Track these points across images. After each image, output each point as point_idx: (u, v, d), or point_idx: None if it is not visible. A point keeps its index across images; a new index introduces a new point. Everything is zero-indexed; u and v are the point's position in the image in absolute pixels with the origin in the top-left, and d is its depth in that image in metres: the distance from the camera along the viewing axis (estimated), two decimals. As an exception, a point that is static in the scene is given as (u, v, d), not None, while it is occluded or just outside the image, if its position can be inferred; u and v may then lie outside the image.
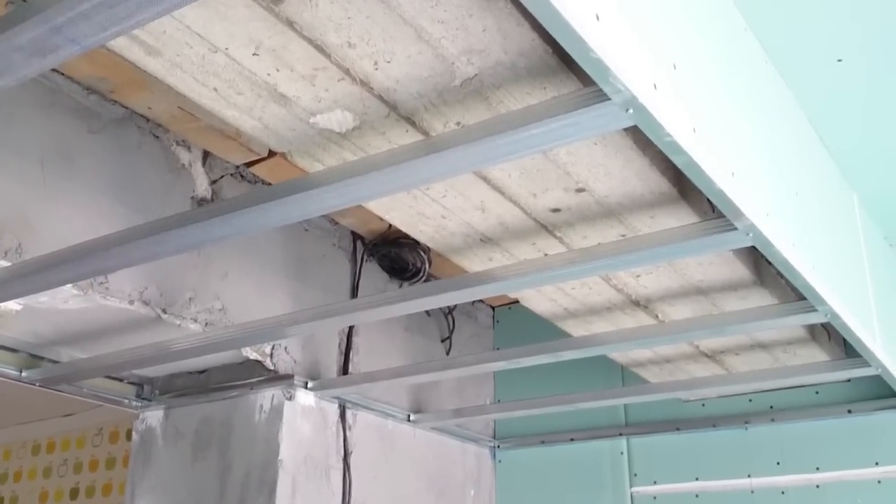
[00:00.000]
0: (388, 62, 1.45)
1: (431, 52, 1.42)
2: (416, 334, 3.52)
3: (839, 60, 2.15)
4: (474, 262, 2.21)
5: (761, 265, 2.29)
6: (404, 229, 2.04)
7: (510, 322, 3.95)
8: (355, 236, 3.29)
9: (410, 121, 1.61)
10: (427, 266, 3.27)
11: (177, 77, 1.50)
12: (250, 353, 2.84)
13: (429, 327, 3.61)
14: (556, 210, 1.94)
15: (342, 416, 3.05)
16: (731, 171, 1.54)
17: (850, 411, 3.12)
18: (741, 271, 2.25)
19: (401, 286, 3.41)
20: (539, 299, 2.44)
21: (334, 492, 2.95)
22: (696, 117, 1.46)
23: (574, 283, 2.33)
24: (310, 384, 2.93)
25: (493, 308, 3.98)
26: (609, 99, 1.31)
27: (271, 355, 2.89)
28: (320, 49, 1.42)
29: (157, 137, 2.63)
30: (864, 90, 2.28)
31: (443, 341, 3.64)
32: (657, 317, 2.54)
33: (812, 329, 2.69)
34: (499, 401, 3.85)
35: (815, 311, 2.15)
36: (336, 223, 3.21)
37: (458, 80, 1.49)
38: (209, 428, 2.96)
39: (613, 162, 1.73)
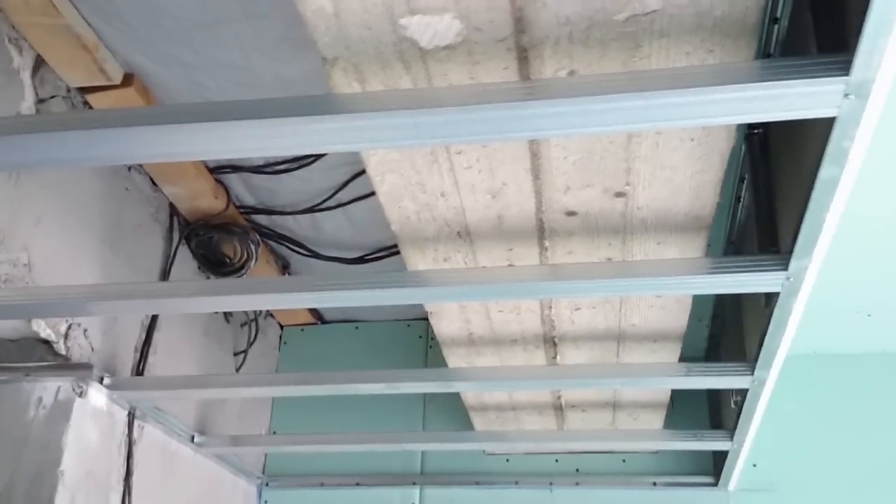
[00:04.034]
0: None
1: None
2: (214, 341, 2.97)
3: None
4: (425, 261, 1.84)
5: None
6: (382, 201, 1.64)
7: (298, 345, 3.51)
8: (173, 211, 2.70)
9: (523, 55, 1.27)
10: (253, 262, 2.77)
11: None
12: (42, 329, 2.17)
13: (225, 335, 3.07)
14: (571, 213, 1.66)
15: (130, 426, 2.43)
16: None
17: (654, 484, 3.10)
18: (678, 324, 2.11)
19: (214, 281, 2.86)
20: (452, 318, 2.11)
21: (111, 520, 2.32)
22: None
23: (507, 306, 2.04)
24: (106, 380, 2.30)
25: (281, 326, 3.51)
26: (846, 74, 1.09)
27: (66, 336, 2.23)
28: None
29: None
30: None
31: (236, 354, 3.11)
32: (554, 357, 2.32)
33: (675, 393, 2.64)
34: (274, 432, 3.36)
35: (745, 375, 2.07)
36: (157, 189, 2.62)
37: (627, 12, 1.18)
38: (-46, 420, 2.20)
39: (687, 168, 1.51)
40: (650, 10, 1.18)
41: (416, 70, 1.30)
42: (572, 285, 1.75)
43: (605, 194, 1.60)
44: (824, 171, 1.29)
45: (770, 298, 1.77)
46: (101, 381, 2.28)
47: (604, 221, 1.68)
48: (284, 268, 3.08)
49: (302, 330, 3.51)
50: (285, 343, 3.51)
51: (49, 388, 2.21)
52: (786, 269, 1.58)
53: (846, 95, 1.13)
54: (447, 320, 2.12)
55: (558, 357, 2.31)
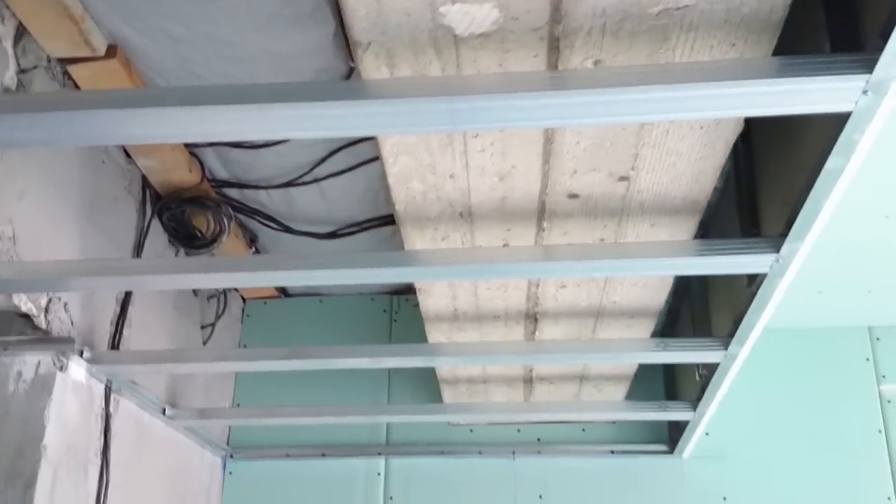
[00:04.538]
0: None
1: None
2: (183, 315, 2.95)
3: None
4: (423, 241, 1.88)
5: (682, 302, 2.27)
6: (391, 182, 1.66)
7: (261, 318, 3.50)
8: (146, 184, 2.67)
9: (553, 45, 1.31)
10: (225, 236, 2.76)
11: None
12: (23, 303, 2.13)
13: (193, 309, 3.05)
14: (573, 196, 1.72)
15: (107, 399, 2.42)
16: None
17: (612, 452, 3.21)
18: (657, 301, 2.20)
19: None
20: (441, 294, 2.15)
21: (89, 493, 2.32)
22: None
23: (495, 283, 2.10)
24: (86, 353, 2.28)
25: (244, 300, 3.50)
26: (869, 73, 1.17)
27: (47, 310, 2.20)
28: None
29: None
30: None
31: (203, 328, 3.10)
32: (533, 333, 2.39)
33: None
34: (238, 404, 3.37)
35: (718, 350, 2.17)
36: (131, 161, 2.58)
37: (661, 6, 1.23)
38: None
39: (691, 154, 1.58)
40: (683, 5, 1.23)
41: (447, 56, 1.34)
42: (563, 266, 1.83)
43: (610, 178, 1.66)
44: (831, 162, 1.37)
45: (753, 278, 1.86)
46: (81, 354, 2.26)
47: (603, 204, 1.75)
48: (252, 241, 3.07)
49: (265, 303, 3.51)
50: (248, 316, 3.50)
51: (29, 362, 2.18)
52: (776, 251, 1.66)
53: (864, 92, 1.21)
54: (435, 297, 2.16)
55: (537, 332, 2.38)
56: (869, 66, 1.17)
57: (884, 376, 3.17)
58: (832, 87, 1.21)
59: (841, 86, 1.21)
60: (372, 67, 1.35)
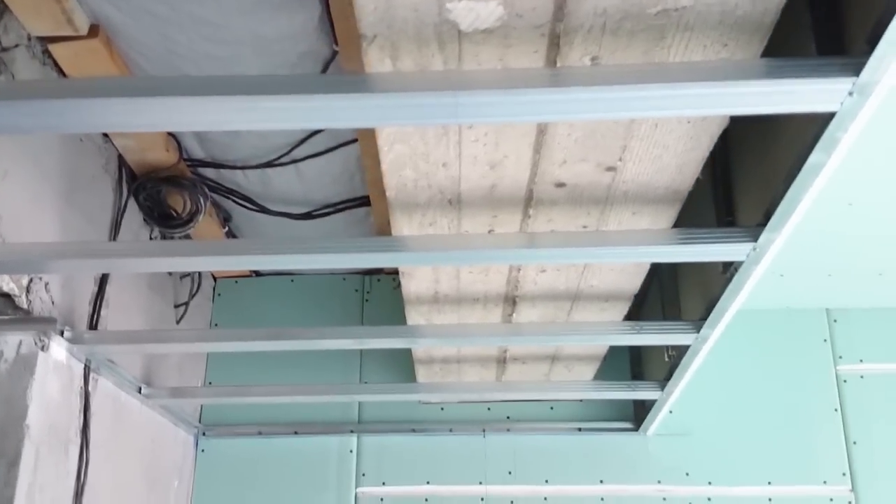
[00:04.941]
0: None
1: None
2: (157, 294, 2.96)
3: None
4: (411, 226, 1.92)
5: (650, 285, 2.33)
6: (385, 168, 1.69)
7: (232, 297, 3.51)
8: (122, 163, 2.66)
9: (554, 42, 1.35)
10: (201, 216, 2.77)
11: None
12: (5, 283, 2.13)
13: (167, 288, 3.05)
14: (560, 185, 1.77)
15: (86, 378, 2.42)
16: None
17: (580, 429, 3.29)
18: (632, 285, 2.26)
19: (161, 238, 2.84)
20: (423, 277, 2.19)
21: (70, 471, 2.33)
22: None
23: (477, 268, 2.14)
24: (66, 333, 2.28)
25: (215, 279, 3.50)
26: (856, 76, 1.23)
27: (28, 290, 2.20)
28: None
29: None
30: None
31: (177, 307, 3.10)
32: (510, 315, 2.44)
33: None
34: (210, 383, 3.38)
35: (690, 333, 2.25)
36: (108, 140, 2.57)
37: (660, 6, 1.28)
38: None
39: (677, 146, 1.63)
40: (681, 6, 1.28)
41: (449, 50, 1.37)
42: (545, 253, 1.89)
43: (597, 168, 1.71)
44: (813, 158, 1.44)
45: (728, 265, 1.93)
46: (62, 334, 2.26)
47: (589, 193, 1.80)
48: (226, 220, 3.07)
49: (236, 282, 3.52)
50: (219, 295, 3.51)
51: (10, 341, 2.18)
52: (754, 240, 1.73)
53: (850, 94, 1.27)
54: (417, 280, 2.20)
55: (514, 315, 2.43)
56: (856, 70, 1.23)
57: (840, 357, 3.29)
58: (819, 89, 1.27)
59: (828, 87, 1.27)
60: (376, 59, 1.38)
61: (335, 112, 1.30)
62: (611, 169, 1.71)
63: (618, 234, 1.90)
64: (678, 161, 1.68)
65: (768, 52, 1.38)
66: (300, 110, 1.29)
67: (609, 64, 1.39)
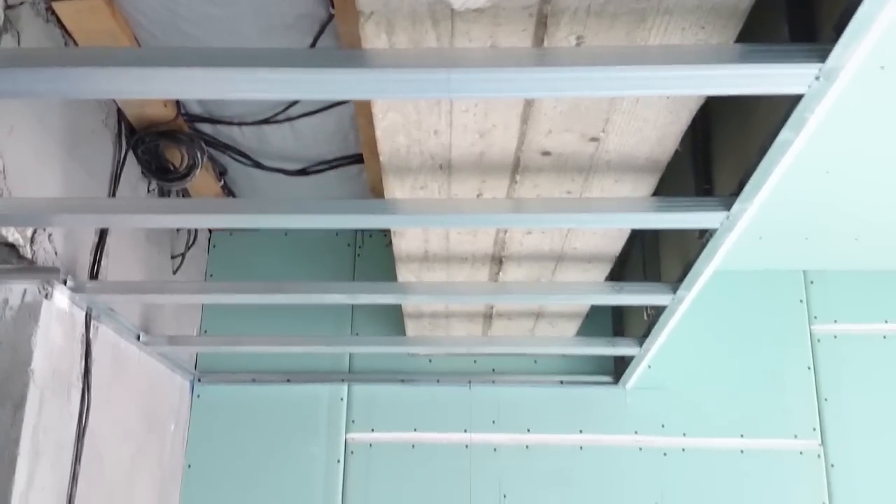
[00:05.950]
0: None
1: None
2: (155, 245, 3.04)
3: None
4: (403, 189, 2.00)
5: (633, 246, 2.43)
6: (379, 135, 1.78)
7: (227, 249, 3.60)
8: (121, 117, 2.73)
9: (541, 21, 1.42)
10: (198, 170, 2.84)
11: None
12: (11, 234, 2.21)
13: (164, 240, 3.14)
14: (546, 153, 1.86)
15: (87, 326, 2.52)
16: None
17: (562, 382, 3.42)
18: (614, 248, 2.36)
19: (159, 191, 2.92)
20: (414, 237, 2.29)
21: (72, 414, 2.44)
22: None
23: (465, 229, 2.23)
24: (69, 282, 2.37)
25: (210, 231, 3.58)
26: (822, 62, 1.32)
27: (32, 240, 2.28)
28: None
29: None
30: None
31: (173, 258, 3.19)
32: (497, 274, 2.54)
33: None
34: (206, 332, 3.48)
35: (667, 294, 2.35)
36: (108, 95, 2.63)
37: (640, -14, 1.36)
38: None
39: (657, 120, 1.72)
40: (658, -12, 1.36)
41: (442, 28, 1.44)
42: (530, 218, 1.99)
43: (582, 139, 1.79)
44: (782, 135, 1.53)
45: (704, 232, 2.03)
46: (65, 283, 2.35)
47: (573, 161, 1.89)
48: (221, 174, 3.15)
49: (230, 234, 3.60)
50: (214, 246, 3.59)
51: (15, 290, 2.28)
52: (727, 209, 1.83)
53: (817, 78, 1.36)
54: (408, 239, 2.29)
55: (501, 274, 2.53)
56: (822, 56, 1.32)
57: (815, 317, 3.42)
58: (788, 73, 1.36)
59: (796, 72, 1.36)
60: (372, 35, 1.45)
61: (334, 85, 1.38)
62: (594, 139, 1.80)
63: (600, 201, 1.99)
64: (658, 133, 1.77)
65: (745, 34, 1.47)
66: (301, 82, 1.37)
67: (593, 45, 1.46)
